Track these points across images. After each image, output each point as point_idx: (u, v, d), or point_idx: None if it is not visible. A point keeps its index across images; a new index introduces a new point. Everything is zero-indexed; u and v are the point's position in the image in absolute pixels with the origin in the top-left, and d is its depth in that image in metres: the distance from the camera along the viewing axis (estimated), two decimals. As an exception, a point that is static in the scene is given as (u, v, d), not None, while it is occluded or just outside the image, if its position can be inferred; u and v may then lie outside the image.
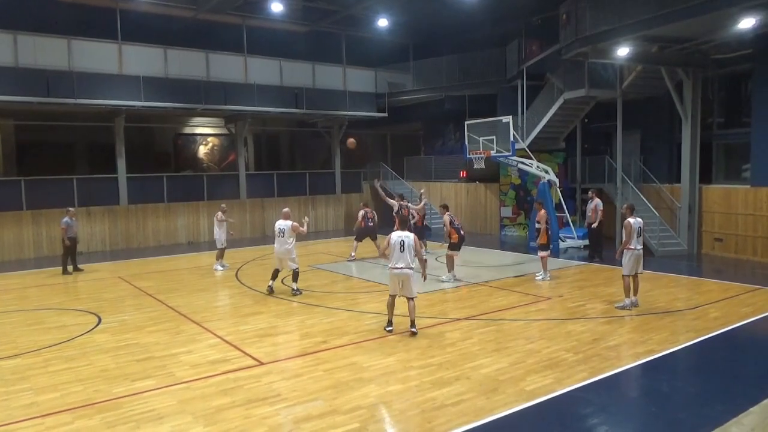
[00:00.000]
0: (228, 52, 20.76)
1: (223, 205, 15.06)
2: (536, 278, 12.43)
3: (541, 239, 12.53)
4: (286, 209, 11.81)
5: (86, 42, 17.92)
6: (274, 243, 11.35)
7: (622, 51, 14.29)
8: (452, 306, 10.35)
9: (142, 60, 18.86)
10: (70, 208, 15.14)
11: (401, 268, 8.29)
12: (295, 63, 22.23)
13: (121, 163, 19.28)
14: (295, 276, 11.32)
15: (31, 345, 8.37)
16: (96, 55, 18.01)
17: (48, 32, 17.34)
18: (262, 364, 7.35)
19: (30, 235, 17.82)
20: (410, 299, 8.40)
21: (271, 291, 11.30)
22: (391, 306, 8.61)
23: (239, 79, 20.80)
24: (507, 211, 21.26)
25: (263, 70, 21.37)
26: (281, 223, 11.21)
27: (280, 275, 11.70)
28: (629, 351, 7.66)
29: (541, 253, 12.50)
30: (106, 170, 19.63)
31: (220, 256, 14.59)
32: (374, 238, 15.68)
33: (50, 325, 9.55)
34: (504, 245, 18.66)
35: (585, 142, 20.09)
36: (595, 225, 14.87)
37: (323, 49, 23.26)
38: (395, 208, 14.87)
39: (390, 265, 8.44)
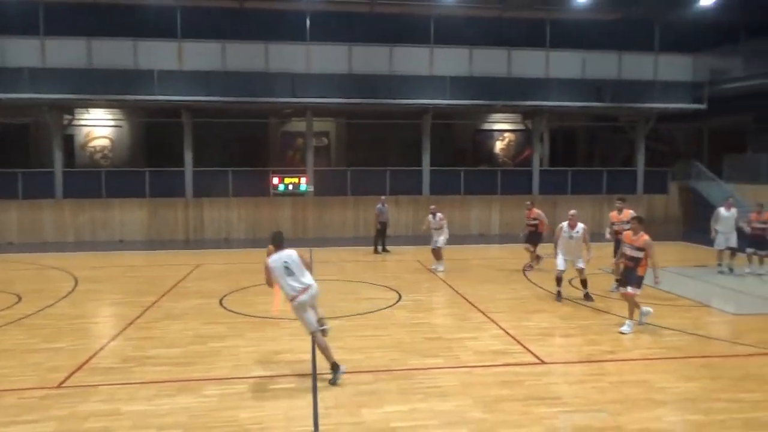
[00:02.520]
0: (529, 48, 20.83)
1: (433, 207, 14.34)
2: (622, 329, 8.60)
3: (642, 271, 8.52)
4: (574, 211, 10.86)
5: (404, 48, 20.14)
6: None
7: None
8: (778, 335, 8.62)
9: (450, 61, 20.30)
10: (383, 196, 17.35)
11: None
12: (600, 53, 21.09)
13: (426, 157, 21.22)
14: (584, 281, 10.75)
15: (346, 311, 9.87)
16: (412, 60, 20.08)
17: (375, 42, 19.99)
18: (543, 363, 7.29)
19: (351, 217, 21.03)
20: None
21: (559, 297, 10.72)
22: None
23: (540, 74, 20.72)
24: None
25: (564, 64, 20.88)
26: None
27: (566, 276, 11.30)
28: None
29: (629, 290, 8.57)
30: (413, 163, 21.78)
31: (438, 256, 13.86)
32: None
33: (361, 296, 11.13)
34: None
35: None
36: None
37: (632, 37, 21.46)
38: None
39: None
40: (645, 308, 8.87)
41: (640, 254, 8.52)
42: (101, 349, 7.80)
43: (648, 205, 22.71)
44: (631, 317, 8.65)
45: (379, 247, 16.86)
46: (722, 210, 13.21)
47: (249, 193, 20.58)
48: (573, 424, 5.54)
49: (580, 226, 10.44)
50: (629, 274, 8.56)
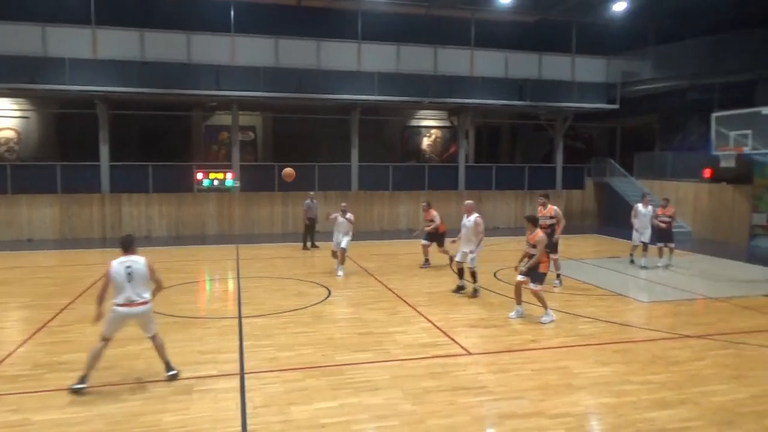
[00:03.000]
0: (455, 46, 21.25)
1: (344, 204, 13.50)
2: (542, 320, 8.94)
3: (541, 267, 8.91)
4: (469, 201, 10.87)
5: (335, 43, 19.98)
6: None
7: None
8: (682, 320, 9.29)
9: (378, 57, 20.36)
10: (311, 192, 17.20)
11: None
12: (521, 54, 21.85)
13: (354, 152, 21.24)
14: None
15: (276, 308, 9.74)
16: (340, 55, 19.96)
17: (302, 36, 19.72)
18: (469, 353, 7.50)
19: (279, 213, 20.73)
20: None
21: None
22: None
23: (465, 72, 21.20)
24: (760, 219, 18.20)
25: (489, 63, 21.45)
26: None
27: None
28: None
29: (534, 286, 8.91)
30: (342, 158, 21.72)
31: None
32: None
33: (291, 293, 11.00)
34: (753, 258, 16.03)
35: None
36: None
37: (551, 39, 22.43)
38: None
39: None
40: (548, 314, 8.97)
41: (534, 251, 8.92)
42: (8, 355, 7.28)
43: (566, 200, 23.83)
44: (545, 308, 9.00)
45: (308, 243, 16.73)
46: (640, 206, 13.97)
47: (171, 188, 19.81)
48: (498, 412, 5.74)
49: (474, 216, 10.42)
50: (532, 271, 8.92)
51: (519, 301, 9.19)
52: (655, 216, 13.87)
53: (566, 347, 7.80)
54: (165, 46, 18.46)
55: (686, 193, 20.95)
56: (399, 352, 7.51)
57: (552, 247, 10.66)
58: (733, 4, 19.13)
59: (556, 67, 22.19)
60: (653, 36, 22.67)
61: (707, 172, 20.54)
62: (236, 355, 7.31)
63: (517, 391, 6.23)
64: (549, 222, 11.17)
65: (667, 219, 13.75)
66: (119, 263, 6.35)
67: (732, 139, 15.66)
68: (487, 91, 21.20)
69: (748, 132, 15.23)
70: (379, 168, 21.98)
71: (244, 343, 7.82)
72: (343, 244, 12.72)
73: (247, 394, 6.08)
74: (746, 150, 15.36)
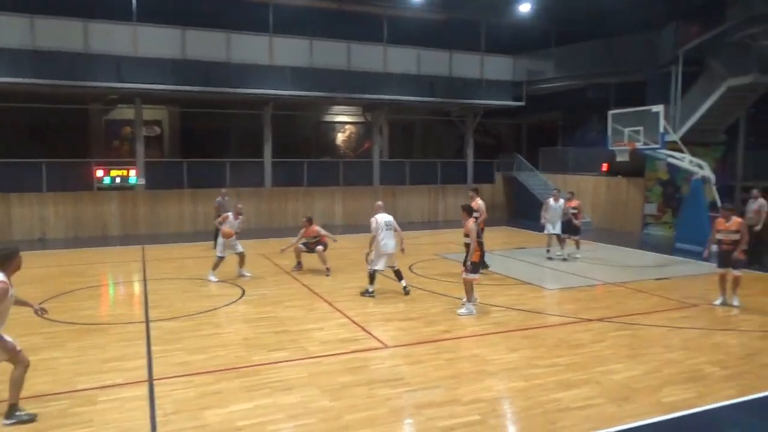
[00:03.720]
0: (368, 42, 21.32)
1: (240, 205, 12.99)
2: (459, 311, 9.21)
3: (473, 256, 9.05)
4: (380, 202, 11.21)
5: (243, 35, 19.41)
6: (385, 239, 10.28)
7: (803, 31, 12.54)
8: (584, 305, 9.87)
9: (290, 51, 20.02)
10: (223, 189, 16.64)
11: None
12: (433, 51, 22.28)
13: (268, 149, 20.80)
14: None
15: (186, 310, 9.35)
16: (250, 48, 19.44)
17: (210, 27, 19.00)
18: (386, 347, 7.57)
19: (188, 211, 19.91)
20: None
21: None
22: None
23: (379, 68, 21.33)
24: (651, 209, 19.73)
25: (401, 60, 21.71)
26: (389, 217, 10.56)
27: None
28: (791, 372, 6.79)
29: (467, 276, 9.13)
30: (254, 154, 21.21)
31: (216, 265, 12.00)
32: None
33: (202, 294, 10.62)
34: (646, 245, 17.35)
35: (750, 135, 17.97)
36: (757, 228, 13.29)
37: (461, 37, 23.05)
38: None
39: None
40: (467, 307, 9.12)
41: (467, 239, 9.18)
42: None
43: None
44: (469, 300, 9.23)
45: (220, 242, 16.17)
46: (551, 201, 14.63)
47: (68, 187, 18.48)
48: (415, 402, 5.83)
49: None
50: (465, 259, 9.15)
51: (469, 298, 9.18)
52: (564, 209, 14.61)
53: (478, 336, 8.06)
54: (60, 34, 17.17)
55: (586, 186, 22.28)
56: (316, 349, 7.44)
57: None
58: (627, 9, 20.53)
59: (466, 64, 22.84)
60: (555, 37, 23.88)
61: (605, 166, 21.98)
62: (144, 361, 6.95)
63: (432, 381, 6.36)
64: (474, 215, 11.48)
65: (573, 211, 14.56)
66: None
67: (626, 135, 16.81)
68: (400, 87, 21.46)
69: (640, 128, 16.40)
70: (293, 164, 21.68)
71: (152, 348, 7.44)
72: (239, 248, 12.06)
73: (157, 401, 5.79)
74: (638, 145, 16.55)
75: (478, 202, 12.35)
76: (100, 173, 18.70)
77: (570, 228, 14.51)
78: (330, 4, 21.30)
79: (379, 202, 11.29)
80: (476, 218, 11.26)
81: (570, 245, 14.53)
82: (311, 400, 5.85)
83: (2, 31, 16.59)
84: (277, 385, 6.21)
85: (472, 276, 9.10)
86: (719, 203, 16.41)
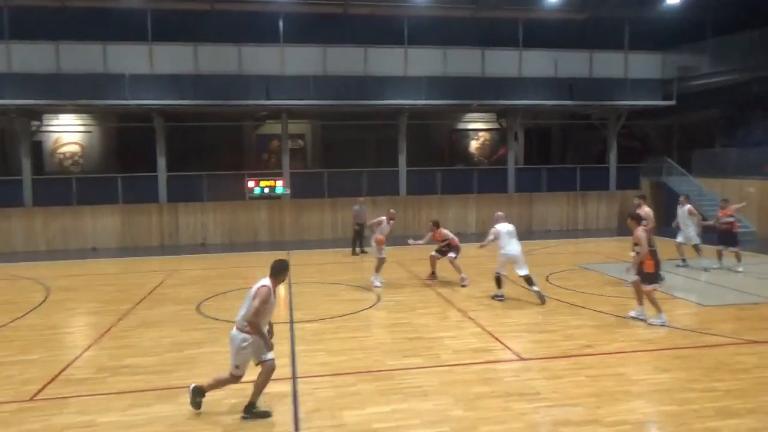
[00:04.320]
0: (502, 48, 21.00)
1: (392, 211, 12.80)
2: (651, 321, 8.85)
3: (646, 267, 8.81)
4: (501, 213, 11.08)
5: (379, 49, 20.13)
6: (508, 246, 10.29)
7: None
8: (748, 325, 8.81)
9: (424, 61, 20.37)
10: (360, 197, 17.33)
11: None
12: (571, 53, 21.40)
13: (402, 157, 21.29)
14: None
15: (327, 313, 9.85)
16: (386, 61, 20.10)
17: (349, 43, 19.97)
18: (522, 359, 7.37)
19: (328, 219, 20.98)
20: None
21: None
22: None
23: (513, 73, 20.92)
24: (835, 217, 17.12)
25: (537, 63, 21.11)
26: (510, 226, 10.50)
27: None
28: None
29: (645, 287, 8.89)
30: (390, 163, 21.81)
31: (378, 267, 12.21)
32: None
33: (341, 298, 11.11)
34: (828, 258, 15.09)
35: None
36: None
37: (603, 36, 21.81)
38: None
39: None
40: (660, 318, 8.86)
41: (637, 248, 8.94)
42: (75, 359, 7.64)
43: (621, 201, 23.10)
44: (659, 311, 8.83)
45: (357, 249, 16.85)
46: (678, 207, 13.61)
47: (225, 197, 20.38)
48: (552, 419, 5.60)
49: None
50: (639, 271, 8.90)
51: (640, 302, 9.07)
52: (717, 218, 13.36)
53: (623, 353, 7.54)
54: (217, 58, 19.10)
55: (750, 191, 19.92)
56: (449, 358, 7.45)
57: None
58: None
59: (608, 64, 21.60)
60: (711, 28, 21.74)
61: (773, 169, 19.51)
62: (288, 360, 7.42)
63: (571, 398, 6.07)
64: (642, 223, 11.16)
65: (729, 220, 13.17)
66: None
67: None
68: (536, 91, 20.84)
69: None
70: (427, 172, 21.94)
71: (296, 348, 7.94)
72: (383, 254, 12.25)
73: (299, 399, 6.17)
74: (816, 144, 14.51)
75: (645, 209, 11.65)
76: (251, 184, 20.37)
77: (727, 238, 13.13)
78: (463, 12, 21.36)
79: (500, 213, 11.14)
80: (644, 226, 10.80)
81: (729, 257, 13.12)
82: (445, 408, 5.87)
83: (170, 59, 18.82)
84: (412, 391, 6.31)
85: (648, 287, 8.86)
86: None
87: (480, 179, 22.21)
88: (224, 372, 5.95)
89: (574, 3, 20.89)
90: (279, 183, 20.59)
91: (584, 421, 5.52)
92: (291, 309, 10.29)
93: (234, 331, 5.78)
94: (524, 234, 20.63)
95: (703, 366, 6.98)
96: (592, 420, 5.54)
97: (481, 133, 26.59)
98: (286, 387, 6.51)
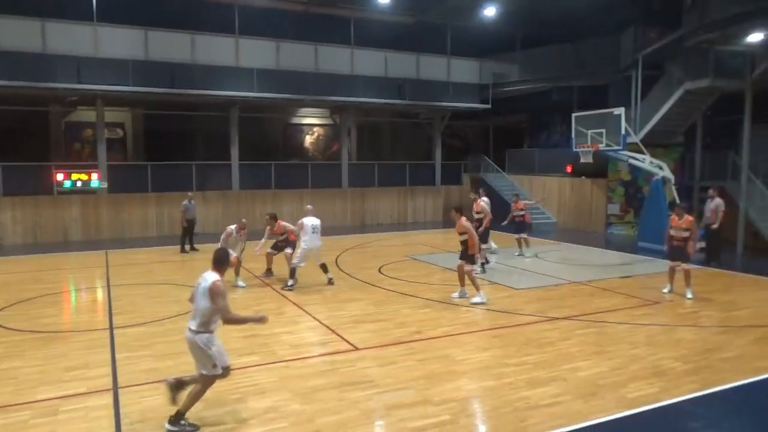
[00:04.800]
0: (335, 45, 21.28)
1: (244, 220, 12.16)
2: (473, 300, 9.92)
3: (471, 249, 9.88)
4: (310, 206, 12.10)
5: (208, 37, 19.15)
6: (309, 240, 11.08)
7: (755, 36, 13.04)
8: (552, 304, 10.03)
9: (257, 53, 19.83)
10: (189, 192, 16.38)
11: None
12: (400, 54, 22.38)
13: (235, 151, 20.56)
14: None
15: (154, 316, 9.17)
16: (215, 49, 19.19)
17: (174, 27, 18.68)
18: (357, 349, 7.56)
19: (153, 215, 19.53)
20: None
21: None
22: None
23: (346, 70, 21.30)
24: (614, 209, 20.20)
25: (369, 62, 21.73)
26: (316, 221, 11.31)
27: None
28: (748, 365, 7.03)
29: (468, 267, 10.01)
30: (221, 157, 20.94)
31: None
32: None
33: (169, 299, 10.41)
34: (610, 244, 17.76)
35: (706, 136, 18.58)
36: (715, 226, 13.78)
37: (428, 40, 23.21)
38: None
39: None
40: (480, 296, 9.96)
41: (463, 237, 9.89)
42: None
43: (445, 195, 24.82)
44: (477, 290, 9.94)
45: (187, 246, 15.93)
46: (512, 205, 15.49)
47: (26, 191, 17.92)
48: (385, 404, 5.82)
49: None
50: (462, 254, 10.03)
51: (462, 283, 10.19)
52: (511, 211, 15.31)
53: (449, 336, 8.12)
54: (17, 34, 16.64)
55: (552, 187, 22.69)
56: (286, 353, 7.38)
57: (481, 237, 11.73)
58: (590, 14, 20.99)
59: (433, 67, 22.99)
60: (520, 40, 24.25)
61: (569, 168, 22.42)
62: (108, 369, 6.78)
63: (403, 382, 6.38)
64: (477, 216, 12.65)
65: (521, 213, 15.02)
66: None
67: (589, 137, 17.19)
68: (368, 89, 21.48)
69: (603, 130, 16.81)
70: (261, 166, 21.48)
71: (117, 356, 7.28)
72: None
73: (122, 410, 5.66)
74: (601, 147, 16.95)
75: (481, 204, 12.89)
76: (60, 176, 18.18)
77: (520, 227, 15.12)
78: (297, 6, 21.23)
79: (309, 206, 11.92)
80: (481, 220, 12.52)
81: (523, 245, 15.08)
82: (283, 404, 5.81)
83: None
84: (249, 390, 6.14)
85: (469, 267, 9.97)
86: (678, 202, 16.98)
87: (314, 174, 22.32)
88: (196, 385, 5.35)
89: (403, 7, 21.88)
90: (94, 176, 18.63)
91: (415, 402, 5.84)
92: (110, 314, 9.39)
93: (189, 334, 5.27)
94: (358, 227, 21.29)
95: (516, 343, 7.79)
96: (423, 401, 5.87)
97: (315, 129, 26.74)
98: (107, 399, 5.94)
